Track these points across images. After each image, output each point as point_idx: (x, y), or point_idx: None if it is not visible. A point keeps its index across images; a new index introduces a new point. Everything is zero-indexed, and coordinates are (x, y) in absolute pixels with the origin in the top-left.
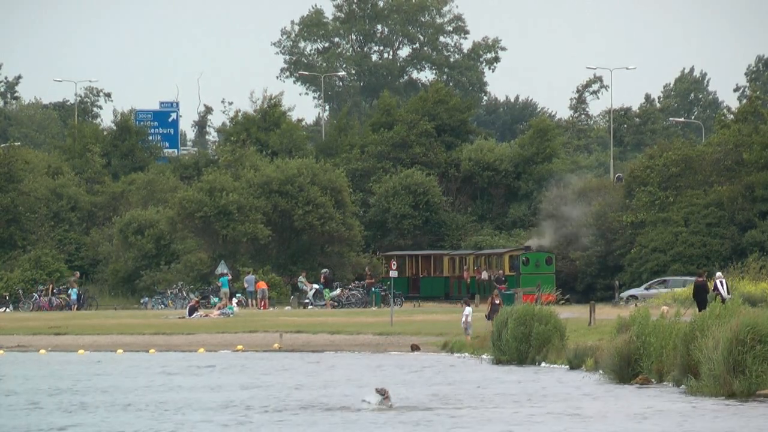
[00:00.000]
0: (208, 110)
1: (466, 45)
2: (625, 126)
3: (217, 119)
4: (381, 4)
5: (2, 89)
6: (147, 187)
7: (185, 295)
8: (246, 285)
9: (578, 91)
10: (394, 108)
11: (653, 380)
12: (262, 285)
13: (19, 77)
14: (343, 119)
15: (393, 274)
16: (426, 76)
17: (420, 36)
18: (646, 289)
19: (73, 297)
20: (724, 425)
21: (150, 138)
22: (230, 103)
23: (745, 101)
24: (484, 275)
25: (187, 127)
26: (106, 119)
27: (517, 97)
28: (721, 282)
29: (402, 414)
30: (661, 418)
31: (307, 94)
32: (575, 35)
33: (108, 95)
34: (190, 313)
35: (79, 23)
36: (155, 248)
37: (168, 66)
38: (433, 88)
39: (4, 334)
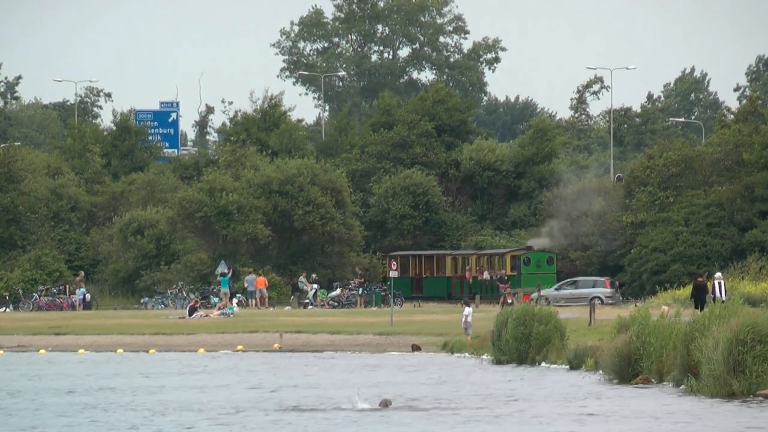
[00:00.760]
0: (210, 110)
1: (466, 45)
2: (626, 126)
3: (217, 119)
4: (381, 4)
5: (2, 89)
6: (147, 187)
7: (185, 295)
8: (246, 285)
9: (578, 91)
10: (394, 108)
11: (653, 380)
12: (261, 284)
13: (19, 77)
14: (343, 119)
15: (393, 274)
16: (426, 76)
17: (420, 36)
18: (557, 289)
19: (80, 297)
20: (724, 425)
21: (150, 138)
22: (230, 103)
23: (745, 101)
24: (486, 275)
25: (187, 127)
26: (106, 119)
27: (517, 97)
28: (719, 283)
29: (403, 414)
30: (662, 418)
31: (307, 94)
32: (575, 35)
33: (108, 95)
34: (190, 314)
35: (79, 23)
36: (155, 248)
37: (168, 66)
38: (433, 88)
39: (4, 334)
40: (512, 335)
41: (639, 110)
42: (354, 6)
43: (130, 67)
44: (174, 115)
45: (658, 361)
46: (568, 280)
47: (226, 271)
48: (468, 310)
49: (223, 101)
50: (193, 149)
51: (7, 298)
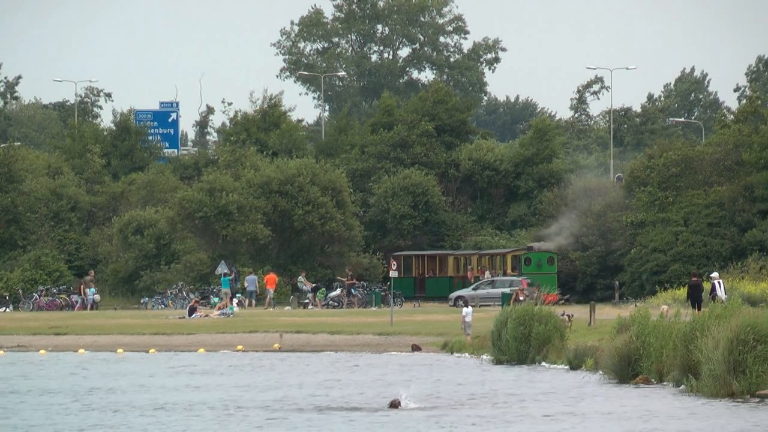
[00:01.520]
0: (210, 110)
1: (466, 45)
2: (625, 126)
3: (217, 119)
4: (381, 4)
5: (2, 89)
6: (147, 187)
7: (185, 295)
8: (246, 285)
9: (578, 91)
10: (394, 108)
11: (653, 380)
12: (272, 283)
13: (19, 77)
14: (343, 119)
15: (393, 274)
16: (426, 76)
17: (420, 36)
18: (474, 289)
19: (91, 297)
20: (724, 425)
21: (150, 138)
22: (230, 104)
23: (745, 101)
24: (487, 275)
25: (187, 127)
26: (106, 119)
27: (517, 97)
28: (719, 283)
29: (403, 414)
30: (662, 418)
31: (307, 94)
32: (575, 35)
33: (108, 95)
34: (190, 314)
35: (79, 23)
36: (155, 248)
37: (168, 66)
38: (432, 88)
39: (4, 334)
40: (512, 335)
41: (639, 110)
42: (354, 6)
43: (130, 67)
44: (174, 115)
45: (658, 361)
46: (486, 279)
47: (227, 271)
48: (467, 310)
49: (223, 101)
50: (193, 149)
51: (7, 298)
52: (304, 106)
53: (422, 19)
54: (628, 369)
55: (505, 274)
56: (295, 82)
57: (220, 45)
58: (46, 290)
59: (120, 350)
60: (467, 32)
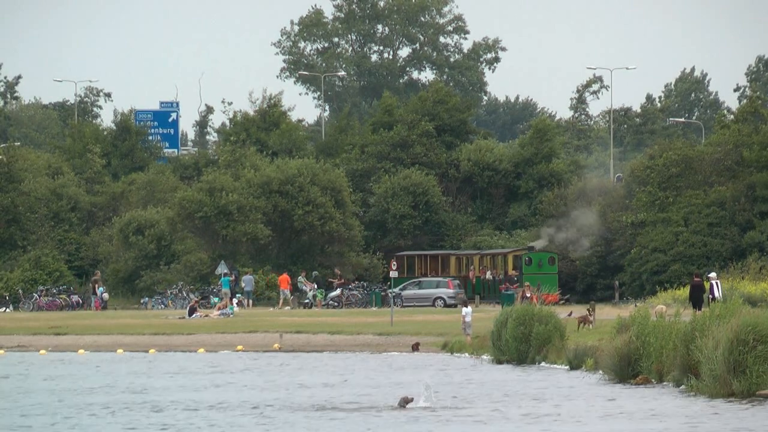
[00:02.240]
0: (210, 110)
1: (466, 45)
2: (625, 126)
3: (217, 119)
4: (381, 4)
5: (2, 89)
6: (147, 187)
7: (185, 295)
8: (244, 285)
9: (578, 91)
10: (395, 108)
11: (653, 380)
12: (285, 285)
13: (19, 77)
14: (343, 119)
15: (393, 274)
16: (426, 76)
17: (420, 36)
18: (401, 290)
19: (101, 296)
20: (724, 425)
21: (150, 138)
22: (230, 104)
23: (745, 101)
24: (489, 275)
25: (187, 127)
26: (106, 119)
27: (517, 97)
28: (716, 283)
29: (404, 414)
30: (662, 418)
31: (307, 94)
32: (575, 35)
33: (108, 95)
34: (190, 314)
35: (79, 23)
36: (155, 248)
37: (168, 66)
38: (433, 88)
39: (4, 334)
40: (512, 335)
41: (639, 110)
42: (354, 6)
43: (130, 67)
44: (174, 115)
45: (658, 361)
46: (414, 280)
47: (227, 272)
48: (466, 310)
49: (223, 101)
50: (193, 149)
51: (7, 298)
52: (304, 106)
53: (422, 19)
54: (628, 369)
55: (506, 274)
56: (295, 82)
57: (220, 45)
58: (46, 290)
59: (120, 350)
60: (467, 32)
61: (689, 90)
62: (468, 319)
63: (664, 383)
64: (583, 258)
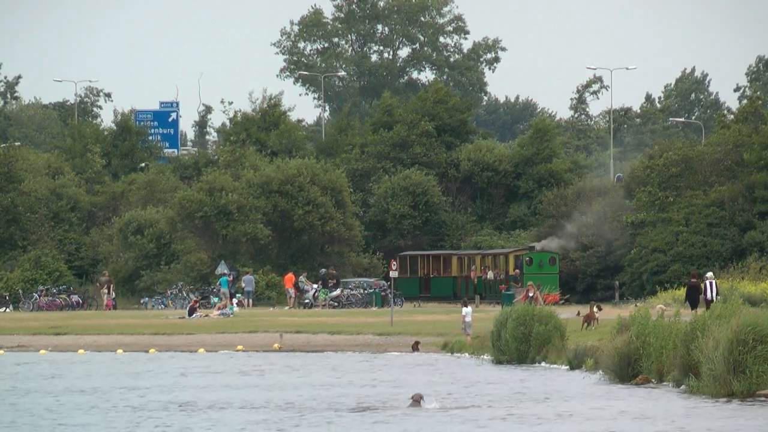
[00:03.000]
0: (209, 110)
1: (466, 45)
2: (625, 126)
3: (217, 119)
4: (381, 4)
5: (2, 89)
6: (147, 187)
7: (185, 295)
8: (244, 285)
9: (578, 91)
10: (395, 108)
11: (653, 380)
12: (290, 284)
13: (19, 77)
14: (343, 119)
15: (393, 274)
16: (426, 76)
17: (420, 36)
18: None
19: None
20: (724, 425)
21: (150, 138)
22: (230, 103)
23: (745, 101)
24: (490, 275)
25: (187, 127)
26: (106, 119)
27: (517, 97)
28: (710, 283)
29: (405, 414)
30: (662, 418)
31: (307, 94)
32: (575, 35)
33: (108, 95)
34: (190, 314)
35: (79, 23)
36: (155, 248)
37: (168, 66)
38: (432, 88)
39: (5, 334)
40: (512, 335)
41: (639, 110)
42: (354, 6)
43: (130, 67)
44: (174, 115)
45: (658, 361)
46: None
47: (227, 272)
48: (466, 310)
49: (222, 101)
50: (192, 149)
51: (7, 298)
52: (304, 106)
53: (422, 19)
54: (628, 369)
55: (507, 274)
56: (295, 82)
57: (220, 45)
58: (46, 290)
59: (120, 350)
60: (467, 32)
61: (689, 90)
62: (468, 319)
63: (664, 383)
64: (583, 258)
